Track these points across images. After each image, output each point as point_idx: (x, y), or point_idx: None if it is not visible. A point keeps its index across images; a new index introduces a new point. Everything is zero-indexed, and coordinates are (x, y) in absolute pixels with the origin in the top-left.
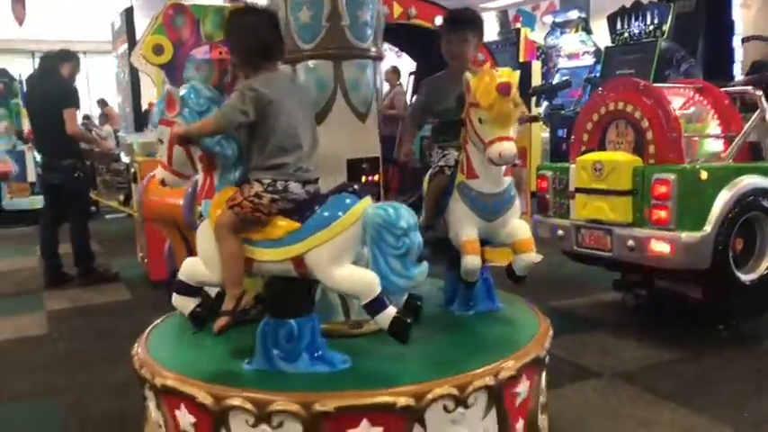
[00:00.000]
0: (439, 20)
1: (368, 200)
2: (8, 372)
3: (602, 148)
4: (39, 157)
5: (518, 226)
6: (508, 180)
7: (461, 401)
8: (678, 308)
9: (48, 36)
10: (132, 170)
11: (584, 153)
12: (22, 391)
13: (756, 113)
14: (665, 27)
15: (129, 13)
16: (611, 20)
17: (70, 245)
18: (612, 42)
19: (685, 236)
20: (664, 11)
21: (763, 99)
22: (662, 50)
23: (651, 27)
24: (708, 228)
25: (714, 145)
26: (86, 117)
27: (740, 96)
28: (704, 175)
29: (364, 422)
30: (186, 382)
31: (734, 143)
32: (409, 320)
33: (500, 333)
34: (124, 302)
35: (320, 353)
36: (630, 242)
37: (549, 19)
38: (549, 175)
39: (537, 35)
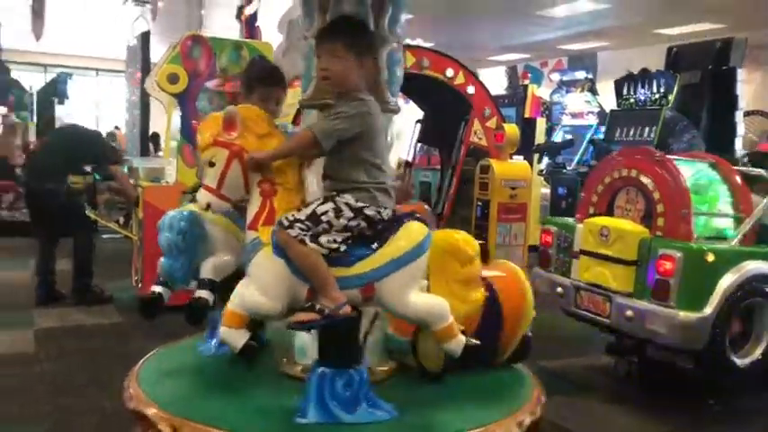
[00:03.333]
0: (450, 72)
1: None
2: None
3: (610, 211)
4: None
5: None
6: (251, 236)
7: None
8: (669, 378)
9: (62, 50)
10: (136, 194)
11: (592, 215)
12: (2, 414)
13: None
14: (671, 96)
15: (145, 38)
16: (619, 84)
17: (73, 260)
18: (618, 106)
19: (683, 315)
20: (670, 80)
21: None
22: (666, 119)
23: (657, 95)
24: (708, 310)
25: (721, 222)
26: None
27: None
28: (711, 257)
29: None
30: None
31: (743, 225)
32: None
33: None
34: (115, 325)
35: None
36: (629, 312)
37: (556, 77)
38: (554, 231)
39: (543, 91)
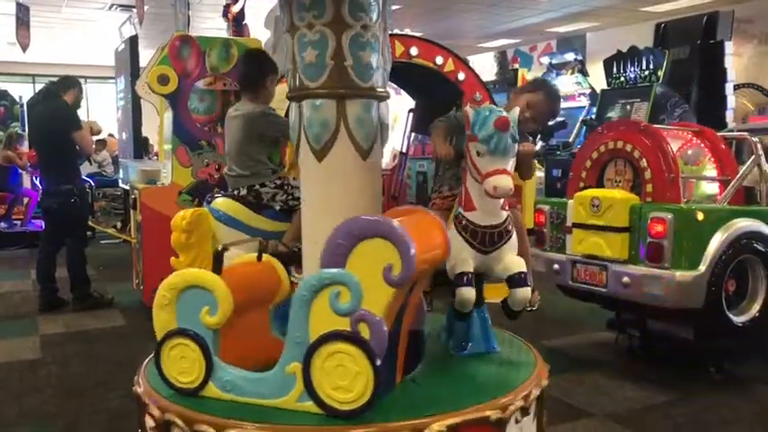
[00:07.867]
0: (440, 59)
1: None
2: None
3: (600, 185)
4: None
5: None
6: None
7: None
8: (670, 349)
9: (50, 60)
10: (132, 197)
11: (582, 189)
12: (11, 416)
13: (752, 159)
14: (660, 72)
15: (133, 42)
16: (608, 64)
17: (66, 269)
18: (608, 86)
19: (679, 275)
20: (659, 57)
21: (759, 146)
22: (657, 95)
23: (647, 72)
24: (702, 268)
25: (709, 187)
26: None
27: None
28: (700, 215)
29: None
30: None
31: (729, 186)
32: None
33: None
34: (118, 328)
35: None
36: (625, 279)
37: (545, 60)
38: (546, 210)
39: (533, 75)
